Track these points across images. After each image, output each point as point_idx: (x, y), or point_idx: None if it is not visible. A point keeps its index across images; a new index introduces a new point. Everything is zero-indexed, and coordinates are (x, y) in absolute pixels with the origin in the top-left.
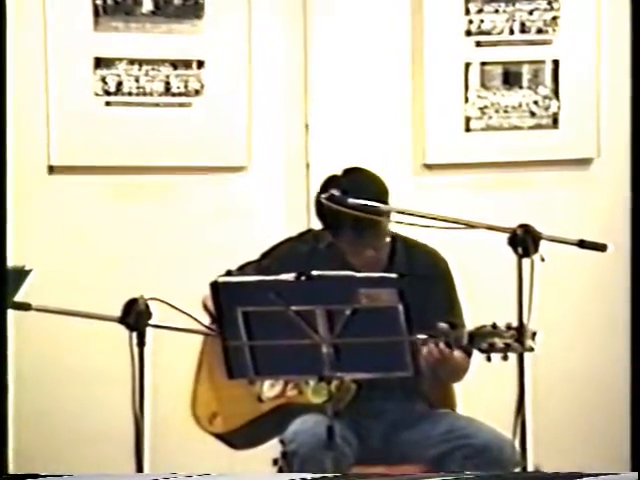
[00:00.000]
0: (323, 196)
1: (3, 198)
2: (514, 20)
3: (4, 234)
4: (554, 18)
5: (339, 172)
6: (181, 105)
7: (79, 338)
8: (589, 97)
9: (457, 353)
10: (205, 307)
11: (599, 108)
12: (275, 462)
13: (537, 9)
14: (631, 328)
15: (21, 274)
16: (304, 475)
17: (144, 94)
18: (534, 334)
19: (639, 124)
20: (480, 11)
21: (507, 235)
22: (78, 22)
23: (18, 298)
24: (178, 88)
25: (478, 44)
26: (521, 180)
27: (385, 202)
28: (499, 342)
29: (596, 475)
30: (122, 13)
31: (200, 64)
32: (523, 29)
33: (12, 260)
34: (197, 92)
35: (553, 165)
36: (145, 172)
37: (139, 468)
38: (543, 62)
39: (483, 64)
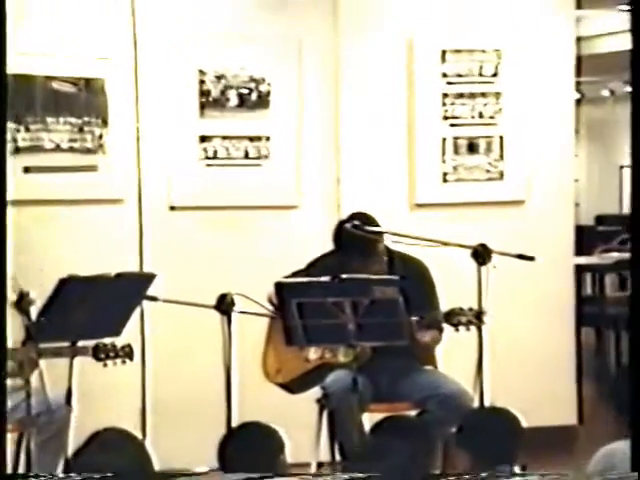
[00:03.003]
0: (348, 225)
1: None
2: (474, 110)
3: (4, 235)
4: (500, 109)
5: (348, 214)
6: (254, 165)
7: (190, 320)
8: (524, 159)
9: (431, 332)
10: (270, 300)
11: (530, 166)
12: (318, 401)
13: (488, 103)
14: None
15: (149, 278)
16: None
17: (230, 158)
18: (485, 313)
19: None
20: (452, 104)
21: (470, 251)
22: (189, 112)
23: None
24: (253, 154)
25: (451, 125)
26: (478, 215)
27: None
28: (464, 319)
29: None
30: (217, 106)
31: (267, 138)
32: (481, 115)
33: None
34: (265, 157)
35: (499, 205)
36: (232, 209)
37: (229, 411)
38: (492, 137)
39: (455, 138)
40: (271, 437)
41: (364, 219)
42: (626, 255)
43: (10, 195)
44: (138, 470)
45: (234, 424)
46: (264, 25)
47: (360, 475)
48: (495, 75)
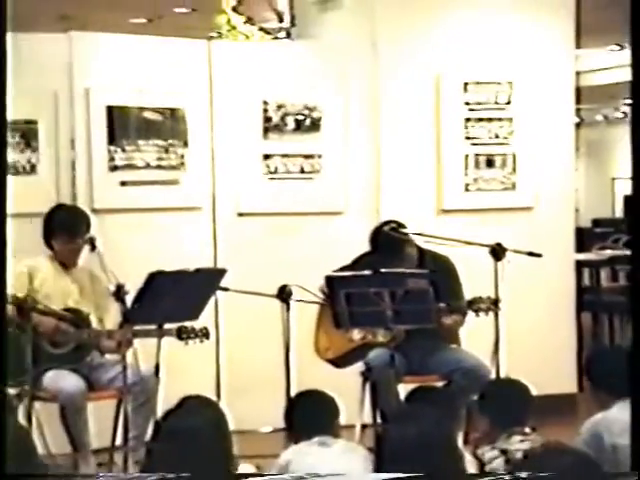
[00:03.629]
0: (386, 227)
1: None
2: (491, 132)
3: (4, 235)
4: (512, 131)
5: (382, 221)
6: (308, 179)
7: (256, 307)
8: (532, 173)
9: (455, 316)
10: (321, 290)
11: (537, 179)
12: (362, 374)
13: (503, 126)
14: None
15: (221, 272)
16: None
17: (288, 173)
18: (500, 301)
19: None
20: (473, 126)
21: (488, 249)
22: (255, 135)
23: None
24: (307, 169)
25: (472, 144)
26: (495, 219)
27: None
28: (483, 306)
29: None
30: (278, 130)
31: (319, 156)
32: (497, 136)
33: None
34: (317, 171)
35: (511, 211)
36: (289, 215)
37: (287, 382)
38: (506, 154)
39: (475, 155)
40: (330, 403)
41: (396, 224)
42: (618, 252)
43: (110, 204)
44: (215, 430)
45: (292, 393)
46: (316, 62)
47: None
48: (508, 103)
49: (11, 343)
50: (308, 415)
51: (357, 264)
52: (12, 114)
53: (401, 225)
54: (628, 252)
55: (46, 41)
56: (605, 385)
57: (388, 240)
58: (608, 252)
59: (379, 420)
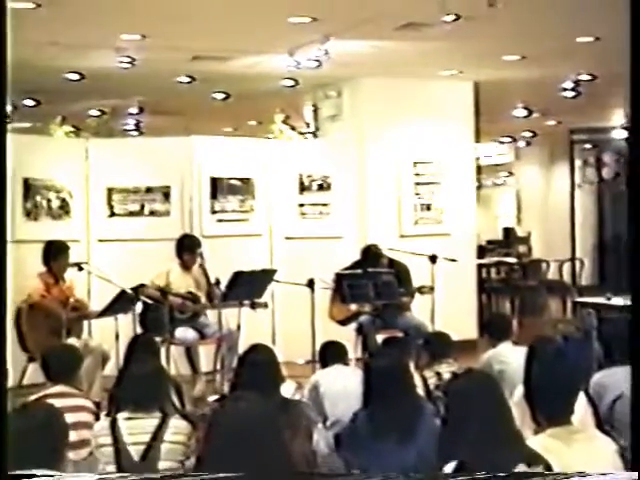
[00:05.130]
0: (371, 246)
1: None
2: (428, 189)
3: (4, 236)
4: (439, 190)
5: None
6: (323, 218)
7: (294, 291)
8: (453, 214)
9: (408, 297)
10: (333, 281)
11: (454, 218)
12: (356, 330)
13: (435, 187)
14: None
15: (274, 271)
16: None
17: (313, 214)
18: (434, 287)
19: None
20: (418, 186)
21: (428, 257)
22: (294, 192)
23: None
24: (323, 212)
25: (419, 197)
26: (431, 240)
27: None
28: (425, 290)
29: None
30: (307, 189)
31: (329, 204)
32: (432, 193)
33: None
34: (328, 213)
35: (440, 235)
36: (314, 239)
37: (313, 336)
38: (437, 204)
39: (421, 204)
40: (342, 346)
41: (375, 245)
42: (500, 258)
43: (211, 233)
44: (272, 361)
45: (317, 342)
46: (329, 150)
47: None
48: (436, 175)
49: (156, 313)
50: (330, 352)
51: (353, 267)
52: (159, 182)
53: (377, 246)
54: (507, 259)
55: (177, 141)
56: (493, 334)
57: (371, 253)
58: (495, 259)
59: (366, 355)
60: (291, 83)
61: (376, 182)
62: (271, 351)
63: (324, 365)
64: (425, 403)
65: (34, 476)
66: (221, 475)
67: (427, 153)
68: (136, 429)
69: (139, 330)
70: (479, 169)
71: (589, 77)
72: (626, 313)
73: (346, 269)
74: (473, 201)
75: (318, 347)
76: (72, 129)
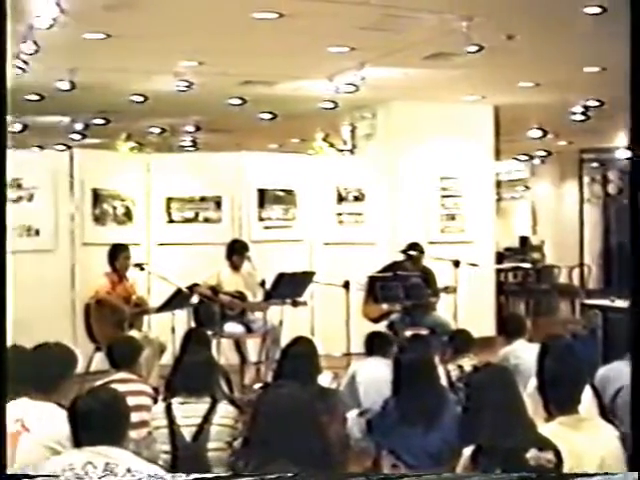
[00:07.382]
0: (409, 252)
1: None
2: (453, 201)
3: (4, 238)
4: (463, 203)
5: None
6: (358, 225)
7: (330, 291)
8: (475, 224)
9: (435, 297)
10: (366, 283)
11: (477, 227)
12: (387, 327)
13: (458, 199)
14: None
15: (313, 273)
16: None
17: (349, 222)
18: (457, 288)
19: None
20: (444, 198)
21: (452, 262)
22: (333, 202)
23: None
24: (358, 220)
25: (444, 208)
26: (456, 246)
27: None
28: (449, 290)
29: (594, 475)
30: (344, 200)
31: (364, 214)
32: (455, 205)
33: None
34: (363, 222)
35: (464, 243)
36: (350, 244)
37: (347, 330)
38: (461, 214)
39: (447, 214)
40: (387, 337)
41: (416, 245)
42: (517, 264)
43: (258, 238)
44: (312, 353)
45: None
46: (364, 166)
47: None
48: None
49: (208, 309)
50: (375, 342)
51: (386, 269)
52: (212, 192)
53: (419, 244)
54: (522, 265)
55: (229, 157)
56: (510, 332)
57: (418, 249)
58: (512, 264)
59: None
60: (330, 105)
61: (406, 194)
62: (312, 343)
63: (369, 352)
64: (448, 393)
65: (34, 476)
66: (273, 476)
67: (452, 169)
68: (189, 413)
69: (193, 324)
70: (498, 184)
71: (597, 103)
72: (628, 314)
73: (379, 271)
74: (493, 212)
75: (353, 341)
76: (136, 145)
